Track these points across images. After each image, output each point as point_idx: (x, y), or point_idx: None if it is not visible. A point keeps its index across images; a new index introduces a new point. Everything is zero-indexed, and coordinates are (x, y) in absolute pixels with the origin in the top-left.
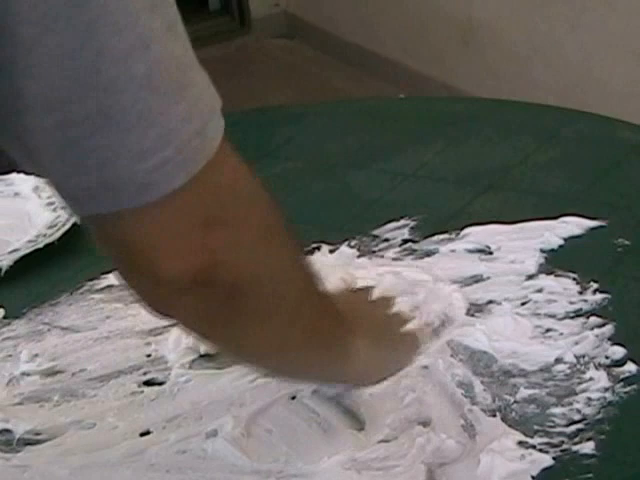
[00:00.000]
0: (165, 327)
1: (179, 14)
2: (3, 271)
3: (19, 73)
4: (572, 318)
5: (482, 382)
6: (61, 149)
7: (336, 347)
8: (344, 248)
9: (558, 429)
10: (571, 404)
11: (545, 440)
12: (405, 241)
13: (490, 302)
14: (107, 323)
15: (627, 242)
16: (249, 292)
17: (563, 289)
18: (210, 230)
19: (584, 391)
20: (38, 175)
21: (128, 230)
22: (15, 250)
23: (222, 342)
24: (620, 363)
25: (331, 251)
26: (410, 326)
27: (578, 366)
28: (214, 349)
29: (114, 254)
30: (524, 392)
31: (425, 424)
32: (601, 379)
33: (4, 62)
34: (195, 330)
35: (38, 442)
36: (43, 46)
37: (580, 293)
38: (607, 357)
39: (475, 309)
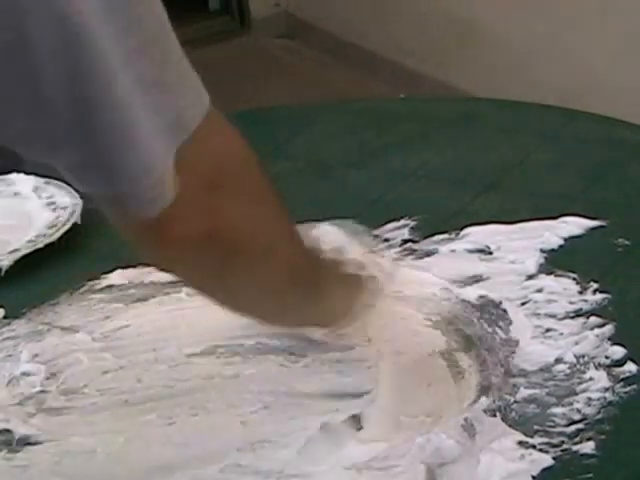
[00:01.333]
0: None
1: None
2: (3, 271)
3: None
4: (572, 318)
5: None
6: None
7: (315, 292)
8: None
9: (558, 429)
10: (571, 404)
11: (545, 440)
12: (405, 241)
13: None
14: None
15: (627, 242)
16: (245, 249)
17: (563, 289)
18: (213, 193)
19: (584, 391)
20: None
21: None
22: (15, 250)
23: (219, 294)
24: (620, 363)
25: None
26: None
27: (578, 366)
28: (211, 300)
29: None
30: (524, 392)
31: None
32: (601, 379)
33: None
34: (194, 284)
35: (38, 442)
36: None
37: (580, 293)
38: (607, 357)
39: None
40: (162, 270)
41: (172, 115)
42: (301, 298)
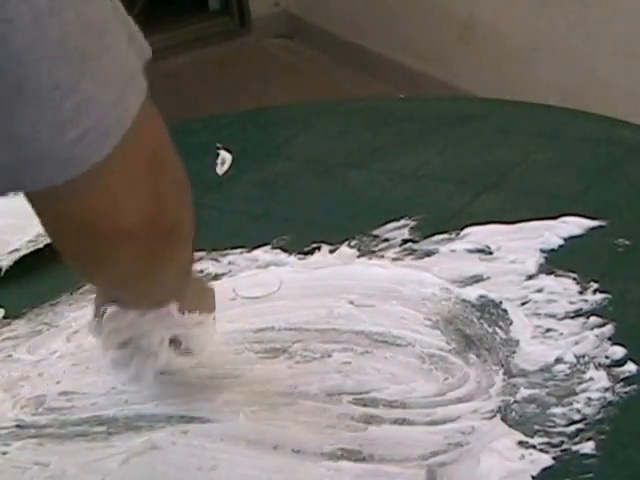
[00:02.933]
0: None
1: None
2: (3, 271)
3: None
4: (572, 318)
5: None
6: None
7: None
8: (344, 248)
9: (558, 429)
10: (571, 404)
11: (545, 440)
12: (405, 241)
13: None
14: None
15: (627, 242)
16: (178, 234)
17: (563, 289)
18: (159, 174)
19: (584, 391)
20: None
21: (83, 189)
22: (15, 250)
23: (143, 279)
24: (620, 363)
25: (331, 251)
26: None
27: (578, 366)
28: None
29: (64, 220)
30: (524, 392)
31: None
32: (601, 379)
33: None
34: (127, 282)
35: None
36: None
37: (580, 293)
38: (607, 357)
39: None
40: (89, 269)
41: (127, 70)
42: (184, 276)
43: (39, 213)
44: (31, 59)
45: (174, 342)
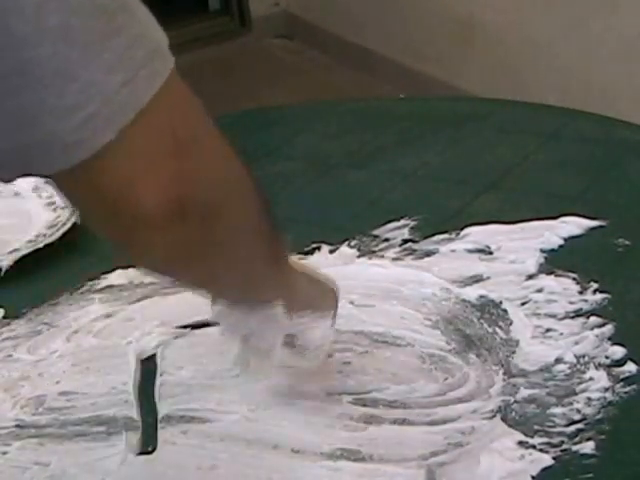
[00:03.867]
0: None
1: None
2: (3, 271)
3: None
4: (572, 318)
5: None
6: None
7: (282, 265)
8: (344, 248)
9: (558, 429)
10: (571, 404)
11: (545, 440)
12: (405, 241)
13: None
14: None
15: (627, 242)
16: (220, 219)
17: (563, 289)
18: (181, 157)
19: (584, 391)
20: None
21: (99, 174)
22: (15, 250)
23: (197, 276)
24: (620, 363)
25: (331, 251)
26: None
27: (578, 366)
28: (185, 286)
29: (89, 205)
30: (524, 392)
31: None
32: (601, 379)
33: None
34: (171, 268)
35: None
36: None
37: (580, 293)
38: (607, 357)
39: None
40: (139, 262)
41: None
42: (269, 268)
43: (67, 197)
44: (31, 45)
45: (290, 341)
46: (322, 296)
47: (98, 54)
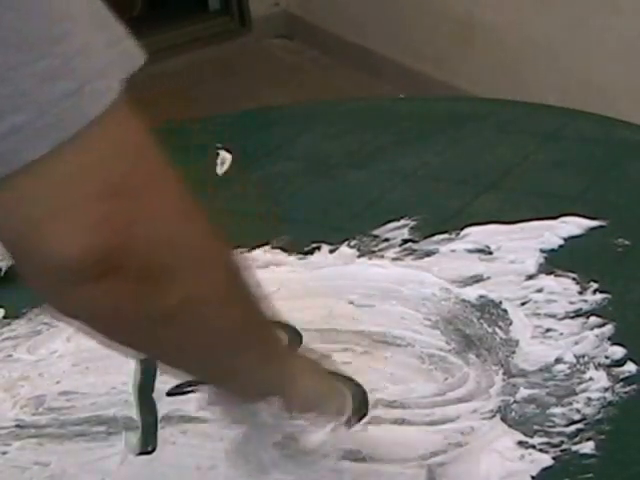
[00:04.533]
0: None
1: None
2: (3, 271)
3: None
4: (572, 318)
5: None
6: None
7: (274, 357)
8: (344, 248)
9: (558, 429)
10: (571, 404)
11: (545, 440)
12: (405, 241)
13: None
14: None
15: (627, 242)
16: (173, 284)
17: (563, 289)
18: (112, 201)
19: (584, 391)
20: None
21: (11, 198)
22: None
23: (140, 343)
24: (620, 363)
25: (331, 251)
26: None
27: (578, 366)
28: (134, 355)
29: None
30: (524, 392)
31: None
32: (601, 379)
33: None
34: (106, 330)
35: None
36: None
37: (580, 293)
38: (607, 357)
39: None
40: (67, 317)
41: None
42: (257, 359)
43: None
44: None
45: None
46: (331, 394)
47: (35, 59)
